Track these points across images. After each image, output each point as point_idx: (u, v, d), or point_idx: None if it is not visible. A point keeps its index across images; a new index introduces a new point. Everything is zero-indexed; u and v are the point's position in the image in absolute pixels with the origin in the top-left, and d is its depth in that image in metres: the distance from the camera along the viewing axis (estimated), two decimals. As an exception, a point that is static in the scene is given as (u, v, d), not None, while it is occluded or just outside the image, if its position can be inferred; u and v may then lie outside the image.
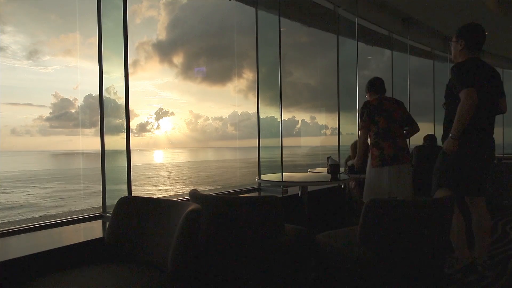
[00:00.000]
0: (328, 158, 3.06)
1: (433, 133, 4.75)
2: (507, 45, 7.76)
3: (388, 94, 6.29)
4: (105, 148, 2.39)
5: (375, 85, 3.17)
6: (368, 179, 3.04)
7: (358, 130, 3.12)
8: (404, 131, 3.12)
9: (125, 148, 2.31)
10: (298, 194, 3.03)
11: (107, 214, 2.31)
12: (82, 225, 2.24)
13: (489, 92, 2.27)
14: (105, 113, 2.42)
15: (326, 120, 6.54)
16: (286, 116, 3.95)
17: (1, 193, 25.99)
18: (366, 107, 3.05)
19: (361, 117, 3.08)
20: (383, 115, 3.00)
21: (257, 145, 3.63)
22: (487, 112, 2.30)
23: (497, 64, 9.10)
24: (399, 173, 2.91)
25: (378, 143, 2.97)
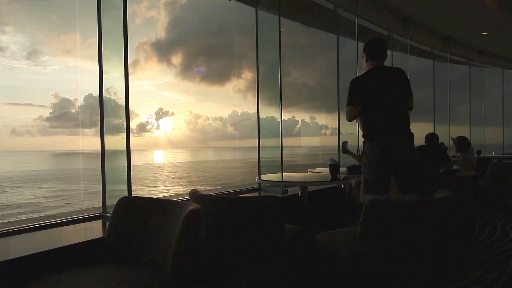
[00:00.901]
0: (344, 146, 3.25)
1: (433, 132, 4.73)
2: (507, 45, 7.77)
3: (388, 94, 6.27)
4: (105, 148, 2.39)
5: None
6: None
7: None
8: None
9: (125, 148, 2.31)
10: (298, 194, 3.03)
11: (107, 214, 2.31)
12: (82, 225, 2.24)
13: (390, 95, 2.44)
14: (105, 113, 2.42)
15: (326, 120, 6.54)
16: (286, 116, 3.96)
17: (3, 193, 25.97)
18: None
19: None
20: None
21: (257, 145, 3.63)
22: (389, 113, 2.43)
23: (497, 64, 9.11)
24: None
25: None
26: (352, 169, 3.35)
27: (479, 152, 6.99)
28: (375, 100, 2.41)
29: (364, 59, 2.59)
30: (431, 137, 4.51)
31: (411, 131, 2.46)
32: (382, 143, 2.37)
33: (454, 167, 5.25)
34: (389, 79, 2.45)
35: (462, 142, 5.46)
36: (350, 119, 2.49)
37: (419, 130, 3.96)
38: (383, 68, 2.51)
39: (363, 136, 2.49)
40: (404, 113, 2.46)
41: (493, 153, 8.67)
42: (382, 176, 2.37)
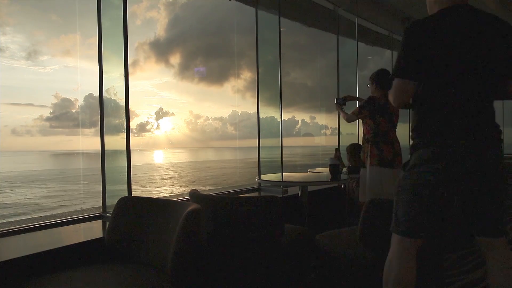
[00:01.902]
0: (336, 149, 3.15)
1: None
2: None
3: (388, 94, 6.26)
4: (105, 148, 2.39)
5: (384, 78, 2.83)
6: (367, 178, 2.99)
7: (350, 113, 3.06)
8: None
9: (125, 148, 2.31)
10: (298, 194, 3.03)
11: (107, 214, 2.31)
12: (82, 225, 2.24)
13: None
14: (105, 113, 2.42)
15: (326, 120, 6.54)
16: (286, 116, 3.96)
17: (5, 193, 25.98)
18: (371, 105, 2.92)
19: (361, 108, 2.97)
20: (385, 117, 2.94)
21: (257, 145, 3.63)
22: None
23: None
24: (396, 177, 2.89)
25: (378, 144, 2.95)
26: (352, 169, 3.35)
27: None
28: (455, 69, 1.32)
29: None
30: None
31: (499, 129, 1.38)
32: (452, 148, 1.29)
33: None
34: (486, 32, 1.34)
35: None
36: (399, 103, 1.38)
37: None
38: (472, 11, 1.37)
39: (415, 136, 1.41)
40: (491, 100, 1.42)
41: (493, 153, 8.66)
42: (434, 213, 1.35)
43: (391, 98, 1.39)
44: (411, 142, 1.43)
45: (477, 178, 1.31)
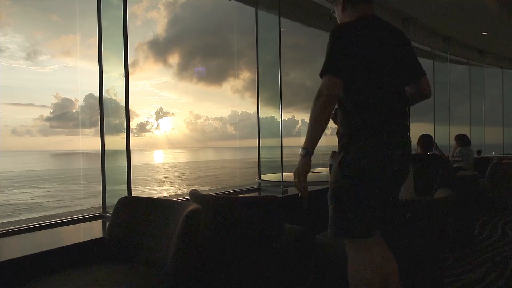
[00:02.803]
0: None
1: (429, 134, 4.55)
2: (507, 45, 7.77)
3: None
4: (105, 148, 2.40)
5: None
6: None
7: None
8: None
9: (125, 148, 2.31)
10: (298, 194, 3.03)
11: (107, 214, 2.31)
12: (82, 225, 2.24)
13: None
14: (105, 113, 2.42)
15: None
16: (285, 116, 3.95)
17: (9, 193, 25.98)
18: None
19: None
20: None
21: (257, 145, 3.63)
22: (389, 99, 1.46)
23: (497, 64, 9.11)
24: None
25: None
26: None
27: (479, 152, 6.99)
28: (374, 69, 1.41)
29: (339, 8, 1.60)
30: (425, 143, 4.04)
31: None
32: (382, 144, 1.37)
33: (455, 165, 5.25)
34: (392, 37, 1.49)
35: (463, 138, 5.49)
36: (325, 102, 1.34)
37: (418, 131, 3.93)
38: (379, 20, 1.51)
39: (348, 134, 1.44)
40: (405, 100, 1.55)
41: (493, 153, 8.67)
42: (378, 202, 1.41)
43: (320, 94, 1.36)
44: (343, 138, 1.45)
45: (403, 168, 1.46)
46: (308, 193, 1.52)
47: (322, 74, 1.39)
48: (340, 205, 1.43)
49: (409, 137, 1.51)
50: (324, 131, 1.40)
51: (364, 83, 1.40)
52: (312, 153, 1.41)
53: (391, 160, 1.39)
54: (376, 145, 1.37)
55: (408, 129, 1.50)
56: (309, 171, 1.43)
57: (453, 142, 5.86)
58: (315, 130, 1.38)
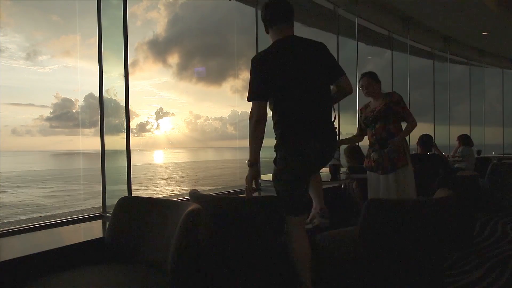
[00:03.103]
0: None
1: (428, 134, 4.48)
2: (507, 45, 7.77)
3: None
4: (105, 148, 2.40)
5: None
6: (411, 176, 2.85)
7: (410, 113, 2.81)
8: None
9: (125, 148, 2.31)
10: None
11: (107, 214, 2.31)
12: (82, 225, 2.24)
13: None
14: (105, 113, 2.42)
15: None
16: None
17: (12, 193, 25.99)
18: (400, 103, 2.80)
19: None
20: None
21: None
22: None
23: (497, 64, 9.11)
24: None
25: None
26: (352, 169, 3.35)
27: (479, 152, 6.99)
28: (290, 83, 1.73)
29: (266, 32, 1.90)
30: (425, 143, 4.14)
31: (335, 127, 1.87)
32: (297, 151, 1.75)
33: (456, 165, 5.25)
34: (307, 51, 1.81)
35: (465, 138, 5.50)
36: (258, 117, 1.72)
37: (419, 131, 3.93)
38: (296, 39, 1.82)
39: (276, 139, 1.85)
40: (328, 101, 1.86)
41: (493, 153, 8.67)
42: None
43: (251, 117, 1.74)
44: (276, 142, 1.84)
45: (320, 163, 1.88)
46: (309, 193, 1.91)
47: (248, 100, 1.76)
48: (282, 191, 1.83)
49: (330, 137, 1.85)
50: (261, 143, 1.78)
51: (281, 99, 1.74)
52: (256, 163, 1.80)
53: (306, 161, 1.76)
54: (292, 153, 1.75)
55: (331, 130, 1.85)
56: (257, 177, 1.89)
57: (453, 142, 5.87)
58: (254, 145, 1.77)
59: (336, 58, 2.09)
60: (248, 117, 1.78)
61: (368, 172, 2.95)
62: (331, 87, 1.93)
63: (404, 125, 2.89)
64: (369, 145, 2.96)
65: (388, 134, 2.77)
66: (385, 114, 2.77)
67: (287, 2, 1.84)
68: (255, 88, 1.74)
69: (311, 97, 1.77)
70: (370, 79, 2.88)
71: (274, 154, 1.94)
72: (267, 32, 1.90)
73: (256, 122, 1.73)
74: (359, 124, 3.09)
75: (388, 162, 2.75)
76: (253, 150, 1.78)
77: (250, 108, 1.75)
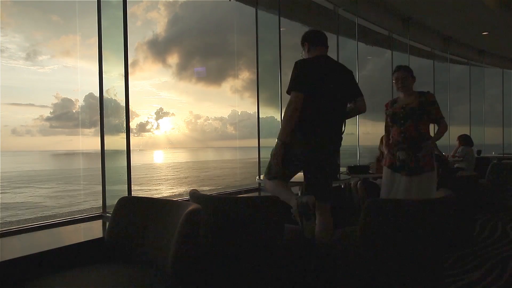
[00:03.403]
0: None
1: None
2: (507, 45, 7.77)
3: (388, 94, 6.29)
4: (105, 148, 2.39)
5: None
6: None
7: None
8: None
9: (125, 148, 2.31)
10: (298, 194, 3.03)
11: (107, 214, 2.31)
12: (82, 225, 2.24)
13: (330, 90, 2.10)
14: (105, 113, 2.42)
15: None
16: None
17: (7, 193, 26.00)
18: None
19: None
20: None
21: (257, 145, 3.63)
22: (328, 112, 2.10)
23: (497, 64, 9.11)
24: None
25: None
26: (352, 169, 3.35)
27: (479, 152, 6.99)
28: (320, 90, 2.06)
29: (306, 49, 2.26)
30: None
31: (341, 138, 2.23)
32: (313, 146, 2.03)
33: (456, 165, 5.25)
34: (337, 70, 2.19)
35: (465, 138, 5.51)
36: (293, 109, 1.99)
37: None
38: (332, 59, 2.24)
39: (296, 132, 2.03)
40: (343, 115, 2.22)
41: (493, 153, 8.67)
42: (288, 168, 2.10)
43: (290, 103, 2.00)
44: (294, 132, 2.03)
45: (326, 158, 2.09)
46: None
47: (288, 91, 2.04)
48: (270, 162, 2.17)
49: (334, 148, 2.17)
50: (292, 128, 2.00)
51: (312, 99, 2.02)
52: (286, 143, 2.01)
53: (301, 157, 2.06)
54: (296, 143, 2.02)
55: (341, 138, 2.23)
56: (284, 156, 2.03)
57: (453, 142, 5.87)
58: (289, 128, 2.00)
59: (336, 58, 2.19)
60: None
61: (387, 169, 2.78)
62: (348, 104, 2.24)
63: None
64: (389, 144, 2.79)
65: (419, 134, 2.63)
66: (419, 113, 2.63)
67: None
68: (298, 82, 2.03)
69: (332, 107, 2.11)
70: (407, 73, 2.77)
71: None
72: (304, 48, 2.27)
73: (294, 109, 1.98)
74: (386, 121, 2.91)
75: (416, 164, 2.60)
76: (286, 132, 2.00)
77: (289, 99, 2.02)
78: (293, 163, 2.09)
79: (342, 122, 2.22)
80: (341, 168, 3.16)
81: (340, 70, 2.21)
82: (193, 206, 1.60)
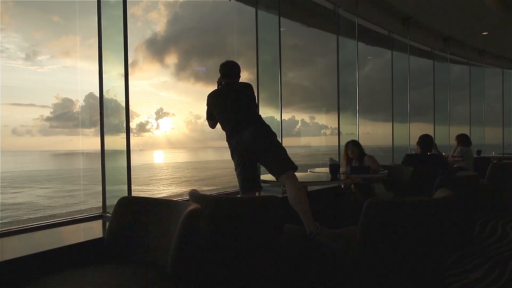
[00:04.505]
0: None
1: (428, 134, 4.37)
2: (507, 45, 7.77)
3: (388, 94, 6.27)
4: (105, 148, 2.39)
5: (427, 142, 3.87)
6: None
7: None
8: None
9: (125, 148, 2.31)
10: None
11: (107, 214, 2.31)
12: (82, 225, 2.24)
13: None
14: (105, 113, 2.42)
15: (326, 120, 6.54)
16: (285, 116, 3.95)
17: (7, 193, 25.99)
18: None
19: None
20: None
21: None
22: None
23: (497, 64, 9.11)
24: None
25: None
26: (352, 170, 3.35)
27: (479, 152, 6.99)
28: (221, 112, 2.59)
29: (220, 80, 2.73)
30: (425, 143, 4.03)
31: (263, 122, 2.54)
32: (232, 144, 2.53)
33: (455, 165, 5.25)
34: (234, 92, 2.60)
35: (464, 138, 5.50)
36: (212, 127, 2.77)
37: (419, 131, 3.93)
38: (231, 84, 2.65)
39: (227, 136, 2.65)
40: (250, 111, 2.55)
41: (493, 153, 8.67)
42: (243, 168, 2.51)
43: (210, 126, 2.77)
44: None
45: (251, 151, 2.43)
46: (308, 193, 1.96)
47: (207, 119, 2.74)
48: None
49: (251, 134, 2.43)
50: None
51: (218, 118, 2.62)
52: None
53: (237, 151, 2.49)
54: (230, 145, 2.53)
55: (254, 123, 2.49)
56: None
57: (453, 142, 5.87)
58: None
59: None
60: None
61: None
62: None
63: None
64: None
65: None
66: None
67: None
68: (207, 111, 2.72)
69: (234, 120, 2.59)
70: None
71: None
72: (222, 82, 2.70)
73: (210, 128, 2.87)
74: None
75: None
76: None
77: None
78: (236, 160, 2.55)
79: (244, 118, 2.49)
80: (341, 168, 3.16)
81: (237, 90, 2.61)
82: (193, 206, 1.60)
